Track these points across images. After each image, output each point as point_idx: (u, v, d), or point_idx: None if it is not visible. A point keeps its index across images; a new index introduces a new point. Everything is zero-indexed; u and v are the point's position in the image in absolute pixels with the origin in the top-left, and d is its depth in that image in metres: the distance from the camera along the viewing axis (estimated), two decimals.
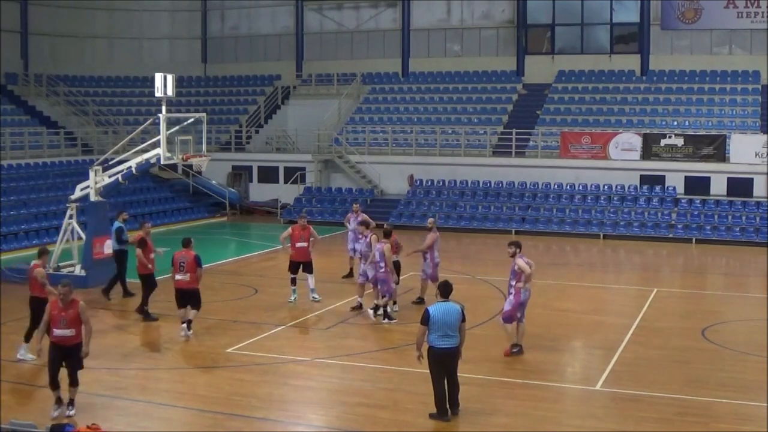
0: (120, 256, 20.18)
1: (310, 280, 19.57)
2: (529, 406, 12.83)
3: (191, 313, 16.66)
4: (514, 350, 15.28)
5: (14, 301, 19.58)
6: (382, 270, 17.68)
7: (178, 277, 16.48)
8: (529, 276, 15.04)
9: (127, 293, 20.22)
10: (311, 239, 19.56)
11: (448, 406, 12.13)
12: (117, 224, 20.69)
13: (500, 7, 40.30)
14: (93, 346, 16.38)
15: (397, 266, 18.97)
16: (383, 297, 17.83)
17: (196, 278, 16.51)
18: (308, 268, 19.55)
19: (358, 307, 18.69)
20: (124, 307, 19.37)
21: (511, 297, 15.16)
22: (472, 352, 15.70)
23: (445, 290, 12.29)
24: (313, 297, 19.63)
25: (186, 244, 16.80)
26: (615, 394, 13.36)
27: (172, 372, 14.67)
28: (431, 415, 12.18)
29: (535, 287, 21.68)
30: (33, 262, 15.49)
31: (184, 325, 16.57)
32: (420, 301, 19.03)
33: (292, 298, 19.52)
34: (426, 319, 11.90)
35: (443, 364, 12.00)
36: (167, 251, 19.01)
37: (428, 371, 12.20)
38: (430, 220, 20.04)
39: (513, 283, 15.17)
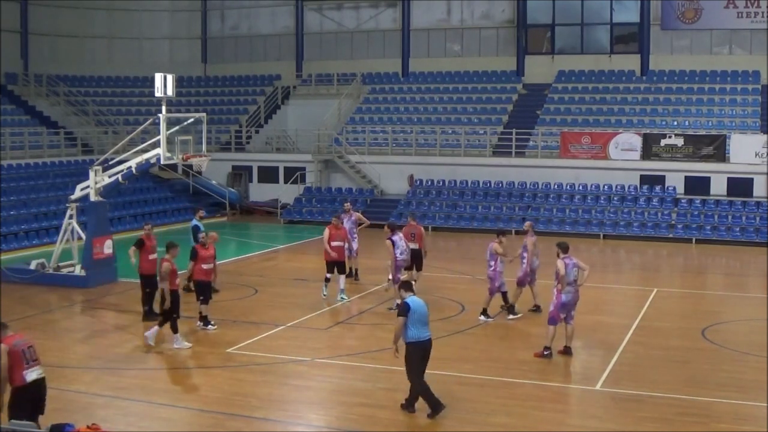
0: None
1: (342, 280, 19.88)
2: (529, 406, 12.83)
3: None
4: (546, 353, 15.11)
5: (11, 301, 19.60)
6: (491, 268, 17.71)
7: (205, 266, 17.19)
8: (563, 278, 14.82)
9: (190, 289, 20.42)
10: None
11: (406, 402, 12.35)
12: (194, 222, 20.97)
13: (500, 7, 40.30)
14: (93, 345, 16.47)
15: (417, 255, 19.74)
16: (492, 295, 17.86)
17: (199, 269, 17.05)
18: (342, 269, 19.99)
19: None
20: (124, 307, 19.35)
21: (554, 298, 15.13)
22: (472, 352, 15.75)
23: (406, 286, 12.50)
24: (341, 297, 19.81)
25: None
26: (615, 394, 13.35)
27: (172, 372, 14.67)
28: (430, 415, 12.18)
29: (534, 287, 21.84)
30: (163, 257, 16.07)
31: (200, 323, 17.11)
32: (511, 307, 18.32)
33: (325, 292, 19.93)
34: (406, 311, 11.94)
35: (426, 357, 12.16)
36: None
37: (408, 369, 12.25)
38: (527, 223, 19.30)
39: (555, 283, 15.19)
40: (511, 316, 18.02)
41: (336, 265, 19.76)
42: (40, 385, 10.10)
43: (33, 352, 10.15)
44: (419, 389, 12.18)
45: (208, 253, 17.21)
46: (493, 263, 17.69)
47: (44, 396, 10.19)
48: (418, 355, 12.08)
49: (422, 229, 20.70)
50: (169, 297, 15.59)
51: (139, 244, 18.21)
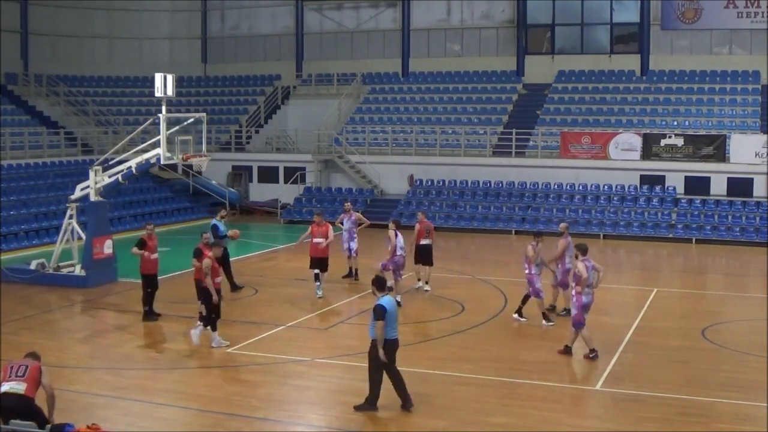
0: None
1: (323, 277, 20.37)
2: (529, 406, 12.83)
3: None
4: (591, 355, 14.99)
5: (11, 301, 19.60)
6: (527, 272, 17.37)
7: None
8: (584, 280, 14.76)
9: (235, 287, 20.55)
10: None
11: (402, 401, 12.48)
12: (213, 221, 21.09)
13: (500, 7, 40.30)
14: (93, 345, 16.47)
15: (430, 250, 20.56)
16: (537, 298, 17.49)
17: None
18: (324, 266, 20.37)
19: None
20: (124, 307, 19.36)
21: (574, 300, 15.06)
22: (472, 352, 15.74)
23: (382, 285, 12.59)
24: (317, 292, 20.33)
25: (210, 246, 17.50)
26: (615, 394, 13.35)
27: (172, 372, 14.66)
28: (359, 407, 12.42)
29: None
30: (208, 254, 16.09)
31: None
32: (551, 308, 18.23)
33: (319, 293, 20.15)
34: (383, 314, 12.13)
35: (391, 356, 12.37)
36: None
37: (372, 368, 12.47)
38: (563, 225, 19.13)
39: (573, 284, 15.15)
40: (515, 315, 17.89)
41: (318, 262, 20.22)
42: (9, 398, 9.97)
43: (22, 370, 10.21)
44: (375, 383, 12.42)
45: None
46: (527, 266, 17.38)
47: (15, 411, 9.92)
48: (386, 353, 12.30)
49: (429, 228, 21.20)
50: (214, 293, 15.48)
51: (141, 244, 18.18)
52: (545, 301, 17.75)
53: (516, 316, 17.81)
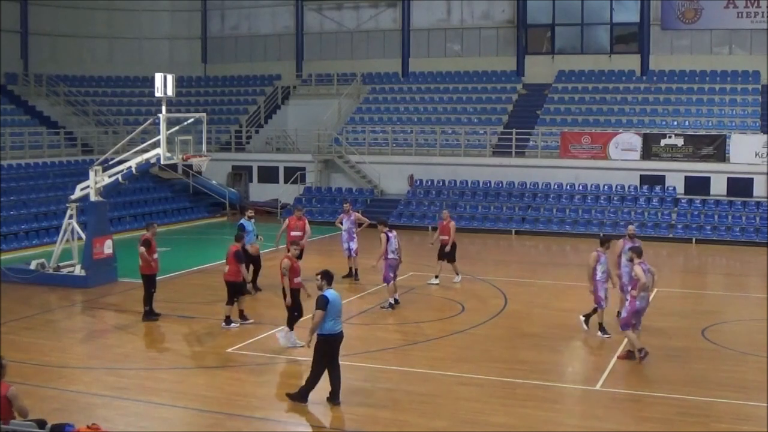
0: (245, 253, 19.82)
1: None
2: (529, 406, 12.83)
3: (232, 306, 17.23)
4: (641, 355, 14.70)
5: (11, 301, 19.59)
6: (594, 279, 16.56)
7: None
8: (644, 285, 14.58)
9: (255, 288, 20.66)
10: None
11: (330, 394, 12.67)
12: (242, 220, 21.20)
13: (500, 7, 40.29)
14: (93, 345, 16.47)
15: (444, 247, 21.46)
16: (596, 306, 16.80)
17: (235, 271, 17.09)
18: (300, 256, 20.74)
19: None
20: (124, 307, 19.36)
21: (627, 304, 14.85)
22: (472, 352, 15.75)
23: (330, 278, 12.79)
24: None
25: (237, 238, 17.95)
26: (615, 394, 13.36)
27: (172, 372, 14.66)
28: (292, 396, 12.64)
29: (534, 287, 21.92)
30: (285, 254, 16.12)
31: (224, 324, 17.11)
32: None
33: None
34: (325, 304, 12.34)
35: (334, 350, 12.61)
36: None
37: (315, 360, 12.63)
38: (631, 227, 18.35)
39: (629, 289, 14.91)
40: (599, 334, 16.59)
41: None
42: None
43: None
44: (314, 376, 12.59)
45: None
46: (593, 274, 16.51)
47: None
48: (328, 346, 12.53)
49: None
50: (289, 294, 15.48)
51: (147, 244, 18.16)
52: (612, 310, 16.88)
53: (582, 318, 16.95)
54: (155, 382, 13.98)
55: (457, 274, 22.13)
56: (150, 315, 17.96)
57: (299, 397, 12.68)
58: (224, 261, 17.62)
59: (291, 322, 15.71)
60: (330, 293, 12.59)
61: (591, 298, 16.65)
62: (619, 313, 16.41)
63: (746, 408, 12.75)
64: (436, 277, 21.79)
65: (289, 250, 16.02)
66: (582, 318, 16.99)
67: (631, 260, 15.08)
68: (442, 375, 14.20)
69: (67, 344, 16.43)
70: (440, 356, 15.39)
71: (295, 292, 15.67)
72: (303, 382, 12.84)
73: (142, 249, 17.91)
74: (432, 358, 15.20)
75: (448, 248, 21.65)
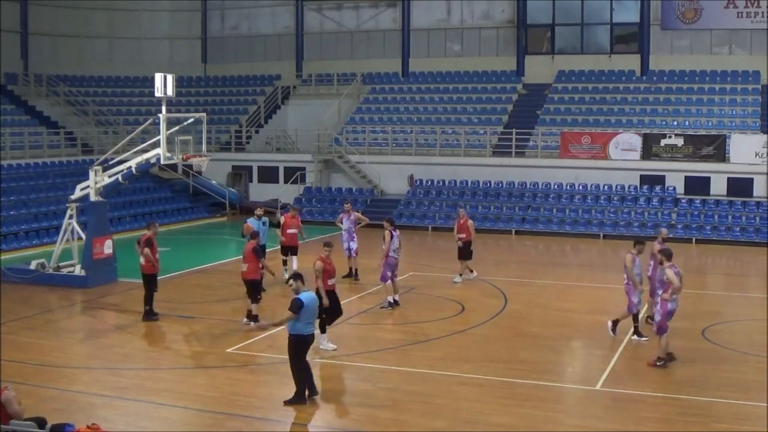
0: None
1: (294, 260, 21.90)
2: (529, 406, 12.83)
3: (249, 304, 17.23)
4: (659, 363, 14.59)
5: (11, 301, 19.59)
6: (626, 282, 16.43)
7: (242, 267, 17.32)
8: (677, 288, 14.45)
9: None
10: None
11: (307, 390, 12.77)
12: (251, 219, 21.39)
13: (500, 7, 40.29)
14: (93, 345, 16.47)
15: (461, 246, 22.00)
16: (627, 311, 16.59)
17: (254, 269, 17.12)
18: (294, 251, 22.03)
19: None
20: (124, 307, 19.36)
21: (659, 307, 14.71)
22: (472, 352, 15.75)
23: (302, 278, 12.95)
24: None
25: (253, 236, 17.86)
26: (615, 394, 13.35)
27: (172, 372, 14.66)
28: (289, 402, 12.63)
29: (534, 287, 21.93)
30: (321, 255, 16.23)
31: (244, 320, 17.17)
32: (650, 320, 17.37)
33: (285, 275, 21.23)
34: (299, 308, 12.43)
35: (306, 350, 12.72)
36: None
37: (291, 360, 12.72)
38: (663, 230, 18.39)
39: (660, 292, 14.79)
40: (635, 337, 16.42)
41: (289, 249, 21.95)
42: None
43: None
44: (301, 378, 12.70)
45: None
46: (626, 276, 16.45)
47: None
48: (299, 347, 12.65)
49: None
50: (325, 296, 15.42)
51: (150, 243, 18.16)
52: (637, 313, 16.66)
53: (636, 337, 16.39)
54: (155, 382, 13.99)
55: (460, 275, 22.29)
56: (150, 315, 17.96)
57: (297, 399, 12.67)
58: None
59: (323, 326, 15.60)
60: (306, 296, 12.64)
61: (625, 301, 16.44)
62: (650, 317, 16.45)
63: (746, 408, 12.76)
64: (460, 275, 22.28)
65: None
66: (610, 324, 16.64)
67: (660, 263, 14.91)
68: (442, 375, 14.20)
69: (67, 344, 16.43)
70: (440, 356, 15.39)
71: (332, 294, 15.65)
72: (298, 384, 12.85)
73: (146, 249, 17.92)
74: (432, 358, 15.20)
75: (463, 245, 22.20)
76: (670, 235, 29.94)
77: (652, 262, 16.99)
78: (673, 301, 14.61)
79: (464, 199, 33.73)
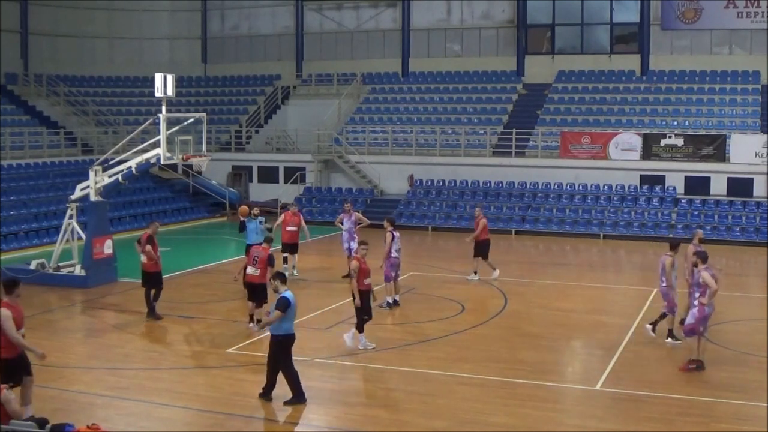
0: (247, 250, 19.72)
1: (294, 258, 22.47)
2: (529, 406, 12.83)
3: (254, 308, 17.14)
4: (691, 366, 14.38)
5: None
6: (664, 284, 16.28)
7: (249, 270, 16.99)
8: (715, 291, 14.23)
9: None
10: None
11: (263, 391, 12.86)
12: (244, 219, 21.36)
13: (500, 7, 40.29)
14: (93, 345, 16.47)
15: (478, 244, 22.32)
16: (668, 314, 16.43)
17: (265, 274, 16.94)
18: (294, 249, 22.47)
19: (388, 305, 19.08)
20: (124, 307, 19.36)
21: (695, 311, 14.42)
22: (473, 352, 15.74)
23: (284, 279, 12.92)
24: (294, 273, 22.16)
25: (266, 240, 17.93)
26: (615, 394, 13.35)
27: (172, 372, 14.66)
28: (288, 402, 12.60)
29: (534, 287, 21.94)
30: (354, 255, 16.38)
31: (252, 324, 16.97)
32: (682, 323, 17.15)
33: (291, 272, 22.06)
34: (286, 306, 12.40)
35: (289, 350, 12.70)
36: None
37: (280, 362, 12.66)
38: (699, 232, 17.80)
39: (697, 295, 14.44)
40: (669, 340, 16.27)
41: (289, 247, 22.30)
42: None
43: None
44: (293, 376, 12.65)
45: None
46: (665, 279, 16.22)
47: None
48: (287, 346, 12.64)
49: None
50: (358, 295, 15.43)
51: (150, 241, 18.17)
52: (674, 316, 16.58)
53: (670, 340, 16.25)
54: (155, 382, 13.99)
55: (475, 273, 22.46)
56: (153, 313, 17.98)
57: (295, 400, 12.65)
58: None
59: (360, 325, 15.64)
60: (289, 294, 12.63)
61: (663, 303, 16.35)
62: (683, 320, 16.21)
63: (746, 408, 12.76)
64: (475, 273, 22.47)
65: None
66: (649, 326, 16.44)
67: (695, 265, 14.70)
68: (442, 375, 14.20)
69: (67, 344, 16.42)
70: (440, 356, 15.39)
71: (365, 294, 15.61)
72: (305, 382, 12.83)
73: (148, 247, 17.94)
74: (432, 358, 15.20)
75: (468, 239, 22.67)
76: (670, 235, 30.01)
77: (688, 265, 16.51)
78: (710, 306, 14.39)
79: (464, 199, 33.74)
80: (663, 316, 16.38)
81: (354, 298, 15.59)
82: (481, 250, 22.52)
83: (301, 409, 12.84)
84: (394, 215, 32.11)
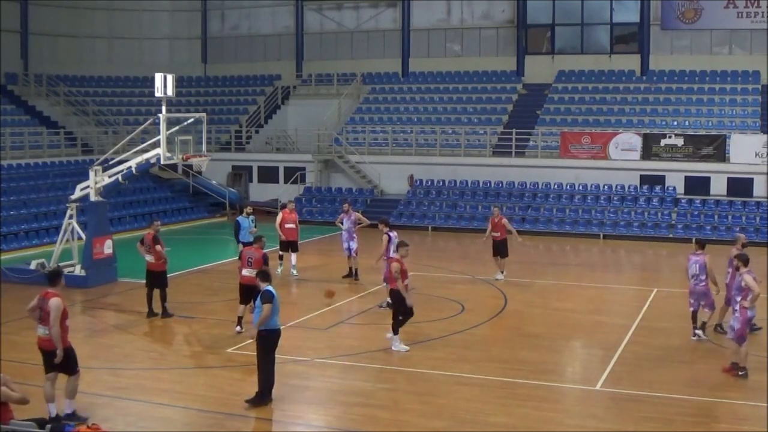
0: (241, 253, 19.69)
1: (294, 257, 22.50)
2: (529, 406, 12.83)
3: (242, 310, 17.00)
4: (741, 373, 14.10)
5: (11, 301, 19.56)
6: (703, 283, 16.30)
7: (245, 272, 16.77)
8: (758, 295, 14.01)
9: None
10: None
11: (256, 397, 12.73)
12: (238, 218, 21.64)
13: (500, 7, 40.30)
14: (93, 345, 16.48)
15: (497, 243, 22.39)
16: (709, 312, 16.48)
17: None
18: (294, 247, 22.52)
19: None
20: (124, 307, 19.35)
21: (738, 314, 14.28)
22: (473, 352, 15.74)
23: (267, 277, 12.92)
24: (293, 272, 22.40)
25: (256, 240, 17.58)
26: (615, 394, 13.35)
27: (172, 372, 14.66)
28: (251, 401, 12.55)
29: (534, 287, 21.93)
30: (393, 256, 16.38)
31: (239, 327, 16.83)
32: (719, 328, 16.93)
33: (278, 270, 22.27)
34: (271, 298, 12.45)
35: (275, 344, 12.74)
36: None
37: (263, 357, 12.68)
38: (741, 236, 17.85)
39: (738, 299, 14.28)
40: (699, 333, 16.43)
41: (288, 244, 22.42)
42: None
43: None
44: (270, 375, 12.64)
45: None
46: (704, 277, 16.26)
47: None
48: (273, 341, 12.67)
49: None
50: (406, 296, 15.38)
51: (157, 240, 18.17)
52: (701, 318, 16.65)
53: (699, 332, 16.38)
54: (155, 382, 13.99)
55: (502, 272, 22.55)
56: (154, 313, 17.99)
57: (260, 399, 12.58)
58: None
59: (397, 327, 15.59)
60: (271, 288, 12.68)
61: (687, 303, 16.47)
62: (719, 325, 16.38)
63: (746, 408, 12.76)
64: (502, 272, 22.55)
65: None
66: (699, 331, 16.42)
67: (737, 269, 14.61)
68: (442, 375, 14.20)
69: None
70: (440, 356, 15.38)
71: (399, 294, 15.50)
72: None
73: (159, 246, 17.98)
74: (432, 358, 15.20)
75: (498, 243, 22.51)
76: (670, 235, 30.13)
77: (730, 270, 16.47)
78: (752, 308, 14.30)
79: (464, 199, 33.74)
80: (709, 315, 16.38)
81: (390, 302, 15.77)
82: (500, 248, 22.62)
83: (301, 409, 12.84)
84: (394, 215, 32.21)
